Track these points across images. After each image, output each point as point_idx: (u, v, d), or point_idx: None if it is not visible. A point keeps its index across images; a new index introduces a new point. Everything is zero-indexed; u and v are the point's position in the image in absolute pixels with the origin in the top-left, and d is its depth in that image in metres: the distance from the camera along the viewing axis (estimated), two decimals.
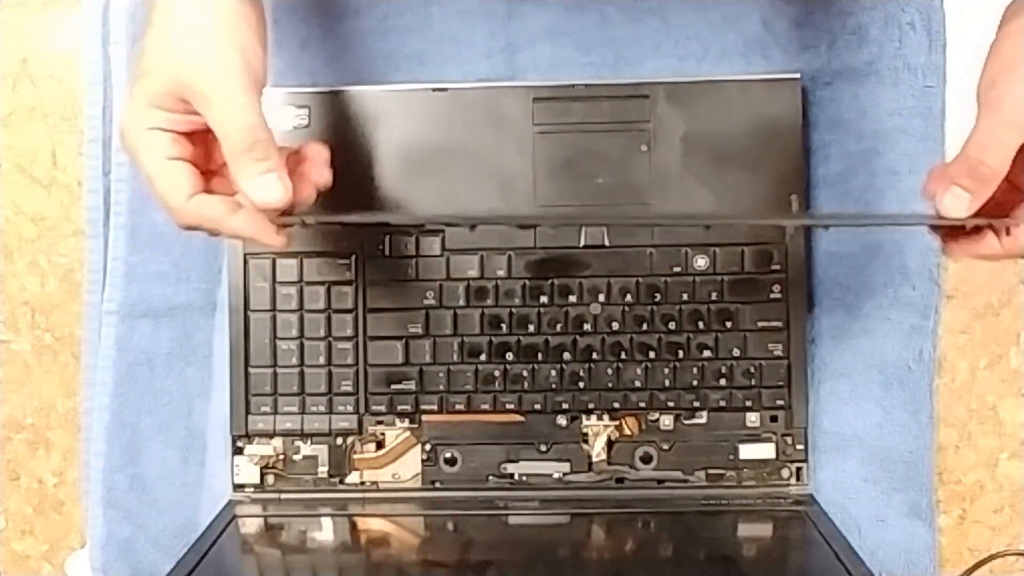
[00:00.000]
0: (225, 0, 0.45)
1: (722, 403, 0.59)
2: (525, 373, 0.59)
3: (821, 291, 0.61)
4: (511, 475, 0.60)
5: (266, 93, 0.61)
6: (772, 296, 0.59)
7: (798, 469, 0.60)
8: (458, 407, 0.60)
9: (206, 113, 0.44)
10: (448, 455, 0.60)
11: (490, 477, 0.60)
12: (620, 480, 0.60)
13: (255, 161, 0.44)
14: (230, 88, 0.44)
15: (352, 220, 0.55)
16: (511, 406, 0.60)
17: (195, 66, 0.44)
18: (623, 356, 0.59)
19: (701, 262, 0.59)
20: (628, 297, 0.59)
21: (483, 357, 0.60)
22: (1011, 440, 0.61)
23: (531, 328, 0.59)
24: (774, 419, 0.60)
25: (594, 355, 0.59)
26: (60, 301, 0.64)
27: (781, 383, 0.59)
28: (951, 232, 0.47)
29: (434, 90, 0.60)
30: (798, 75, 0.60)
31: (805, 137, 0.60)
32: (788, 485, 0.60)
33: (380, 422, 0.61)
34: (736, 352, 0.59)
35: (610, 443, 0.60)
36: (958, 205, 0.46)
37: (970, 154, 0.45)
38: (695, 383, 0.59)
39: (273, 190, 0.45)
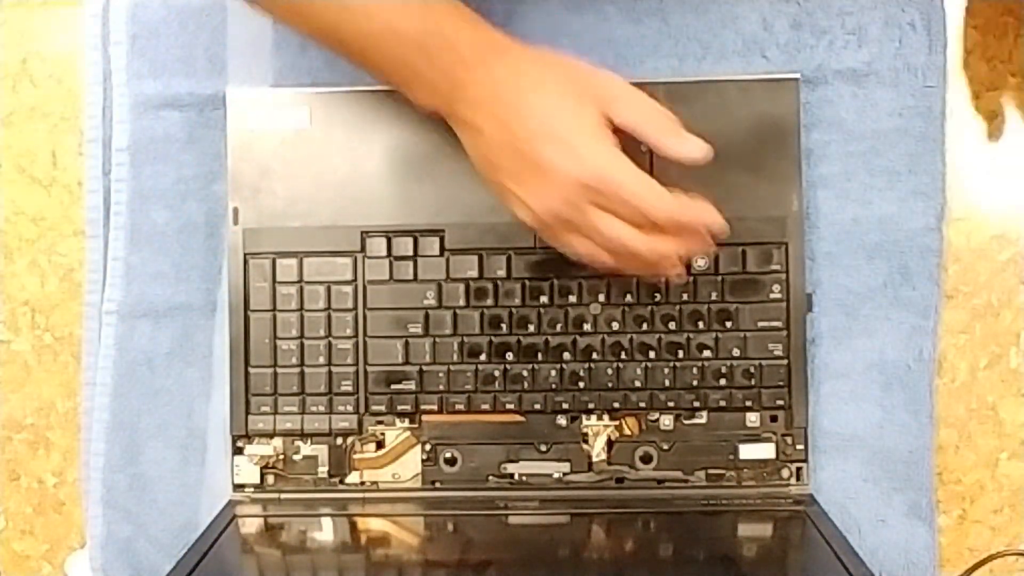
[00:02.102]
0: None
1: (722, 403, 0.59)
2: (525, 373, 0.59)
3: (821, 291, 0.61)
4: (511, 475, 0.60)
5: (266, 93, 0.61)
6: (772, 296, 0.59)
7: (798, 469, 0.60)
8: (458, 407, 0.60)
9: (625, 111, 0.50)
10: (448, 455, 0.60)
11: (490, 477, 0.60)
12: (620, 480, 0.60)
13: (675, 128, 0.51)
14: (620, 81, 0.52)
15: None
16: (511, 406, 0.60)
17: (600, 79, 0.51)
18: (623, 356, 0.59)
19: (701, 262, 0.59)
20: (628, 297, 0.59)
21: (483, 357, 0.60)
22: (1011, 440, 0.61)
23: (531, 328, 0.59)
24: (774, 419, 0.60)
25: (594, 355, 0.59)
26: (60, 301, 0.64)
27: (781, 383, 0.59)
28: None
29: None
30: (797, 75, 0.60)
31: (804, 137, 0.60)
32: (788, 485, 0.60)
33: (380, 422, 0.61)
34: (736, 352, 0.59)
35: (610, 443, 0.60)
36: None
37: None
38: (695, 383, 0.59)
39: (696, 147, 0.51)
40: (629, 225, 0.51)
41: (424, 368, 0.60)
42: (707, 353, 0.59)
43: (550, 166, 0.50)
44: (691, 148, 0.51)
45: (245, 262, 0.60)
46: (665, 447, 0.60)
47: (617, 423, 0.60)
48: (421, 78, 0.52)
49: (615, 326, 0.59)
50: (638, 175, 0.50)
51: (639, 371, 0.59)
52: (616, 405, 0.60)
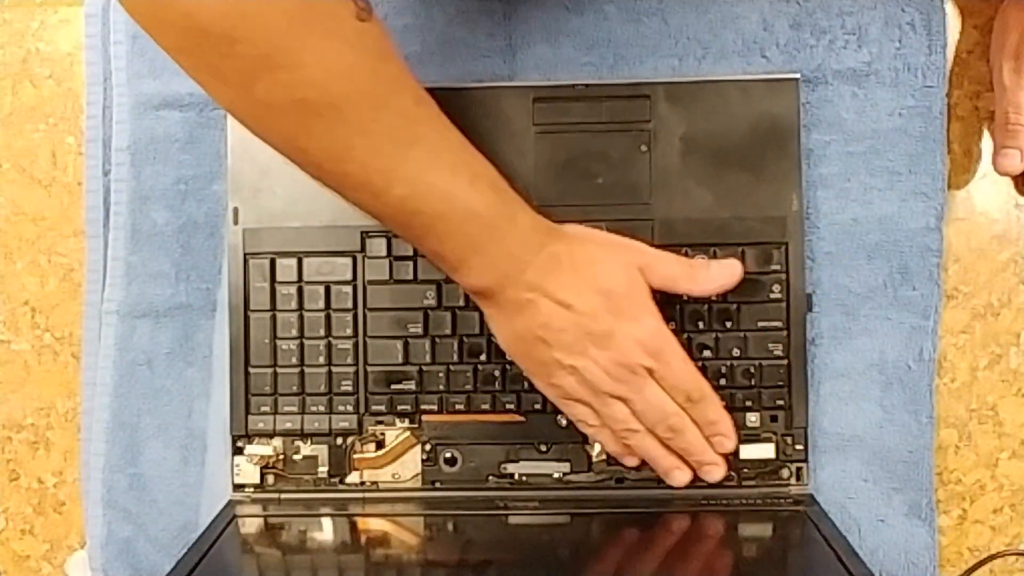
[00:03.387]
0: None
1: (722, 403, 0.59)
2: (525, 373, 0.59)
3: (821, 291, 0.61)
4: (511, 475, 0.60)
5: None
6: (772, 296, 0.59)
7: (798, 469, 0.60)
8: (458, 407, 0.60)
9: (660, 273, 0.55)
10: (448, 455, 0.60)
11: (490, 477, 0.60)
12: (620, 480, 0.60)
13: (703, 271, 0.57)
14: (649, 248, 0.57)
15: None
16: (511, 406, 0.60)
17: (634, 248, 0.56)
18: None
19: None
20: None
21: (483, 357, 0.60)
22: (1011, 440, 0.61)
23: None
24: (774, 419, 0.60)
25: None
26: (60, 301, 0.64)
27: (781, 383, 0.59)
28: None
29: (434, 90, 0.60)
30: (797, 75, 0.60)
31: (804, 137, 0.60)
32: (788, 485, 0.60)
33: (380, 422, 0.61)
34: (736, 352, 0.59)
35: None
36: (1011, 163, 0.58)
37: (1003, 112, 0.58)
38: None
39: (728, 273, 0.57)
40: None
41: (424, 368, 0.60)
42: (707, 353, 0.59)
43: (614, 334, 0.53)
44: (724, 277, 0.56)
45: (245, 262, 0.60)
46: None
47: None
48: (483, 258, 0.53)
49: None
50: (682, 347, 0.55)
51: None
52: None
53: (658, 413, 0.55)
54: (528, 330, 0.54)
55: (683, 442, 0.56)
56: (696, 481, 0.58)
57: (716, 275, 0.56)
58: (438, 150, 0.51)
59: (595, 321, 0.53)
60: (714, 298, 0.59)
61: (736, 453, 0.59)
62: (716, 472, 0.57)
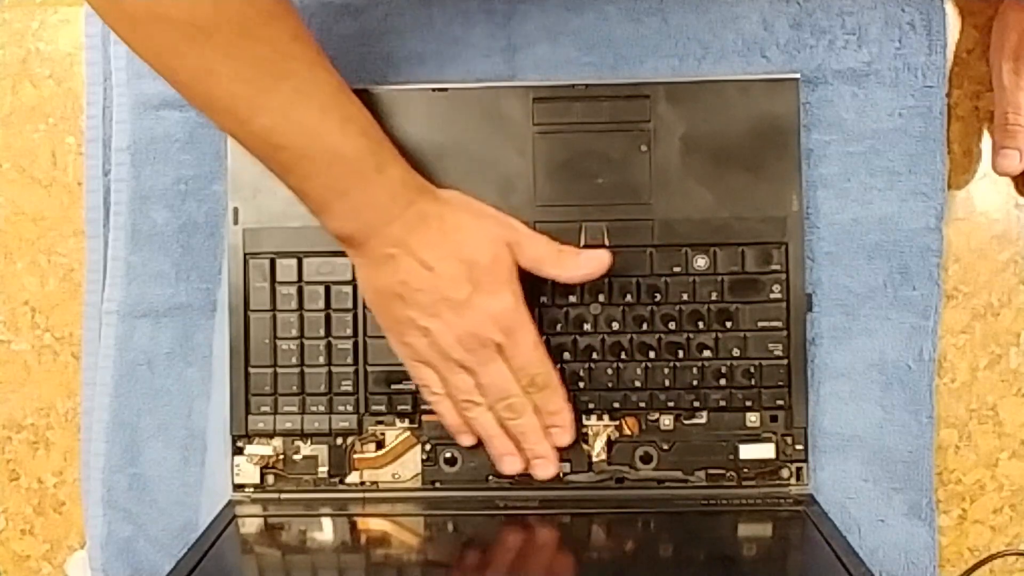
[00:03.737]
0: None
1: (722, 403, 0.59)
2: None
3: (821, 291, 0.61)
4: (511, 475, 0.60)
5: None
6: (772, 296, 0.59)
7: (798, 469, 0.60)
8: None
9: (529, 253, 0.56)
10: (448, 455, 0.60)
11: (490, 477, 0.60)
12: (620, 480, 0.60)
13: (571, 257, 0.57)
14: (523, 226, 0.57)
15: None
16: None
17: (508, 224, 0.57)
18: (623, 356, 0.59)
19: (701, 262, 0.59)
20: (628, 297, 0.59)
21: None
22: (1011, 440, 0.61)
23: None
24: (774, 419, 0.60)
25: (594, 355, 0.59)
26: (60, 301, 0.64)
27: (781, 383, 0.59)
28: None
29: (434, 90, 0.60)
30: (797, 75, 0.60)
31: (804, 137, 0.60)
32: (788, 485, 0.60)
33: (380, 422, 0.61)
34: (736, 352, 0.59)
35: (610, 443, 0.60)
36: (1009, 163, 0.58)
37: (1002, 113, 0.58)
38: (695, 383, 0.59)
39: (594, 261, 0.57)
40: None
41: None
42: (707, 353, 0.59)
43: (469, 302, 0.53)
44: (590, 266, 0.57)
45: (245, 262, 0.60)
46: (665, 447, 0.60)
47: (617, 423, 0.60)
48: (348, 204, 0.53)
49: (615, 326, 0.59)
50: (537, 332, 0.56)
51: (639, 371, 0.59)
52: (616, 405, 0.60)
53: (500, 391, 0.55)
54: (388, 285, 0.55)
55: (520, 426, 0.57)
56: (696, 481, 0.58)
57: (583, 263, 0.57)
58: (309, 87, 0.51)
59: (453, 287, 0.53)
60: (714, 298, 0.59)
61: (736, 453, 0.59)
62: (545, 468, 0.58)
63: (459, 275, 0.54)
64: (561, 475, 0.60)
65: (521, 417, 0.56)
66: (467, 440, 0.59)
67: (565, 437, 0.58)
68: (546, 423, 0.57)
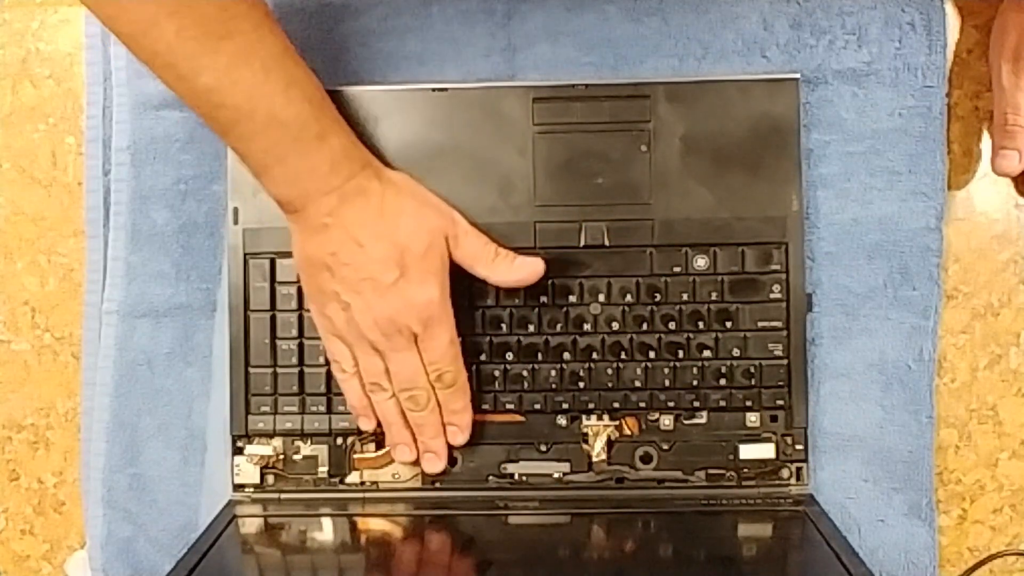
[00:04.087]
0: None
1: (722, 403, 0.59)
2: (525, 373, 0.60)
3: (821, 291, 0.61)
4: (511, 475, 0.60)
5: None
6: (772, 296, 0.59)
7: (798, 469, 0.60)
8: None
9: (464, 248, 0.57)
10: (448, 455, 0.60)
11: (490, 477, 0.60)
12: (620, 480, 0.60)
13: (506, 261, 0.58)
14: (463, 221, 0.57)
15: None
16: (511, 406, 0.60)
17: (448, 218, 0.57)
18: (623, 356, 0.59)
19: (701, 262, 0.59)
20: (628, 297, 0.59)
21: (483, 357, 0.60)
22: (1011, 440, 0.61)
23: (531, 328, 0.59)
24: (774, 419, 0.60)
25: (594, 355, 0.59)
26: (60, 301, 0.64)
27: (781, 383, 0.59)
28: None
29: (434, 90, 0.60)
30: (797, 75, 0.60)
31: (804, 137, 0.60)
32: (788, 485, 0.60)
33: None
34: (736, 352, 0.59)
35: (610, 443, 0.60)
36: (1009, 164, 0.58)
37: (1001, 114, 0.58)
38: (695, 383, 0.59)
39: (527, 269, 0.58)
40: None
41: None
42: (707, 353, 0.59)
43: (393, 289, 0.53)
44: (522, 272, 0.57)
45: (245, 262, 0.60)
46: (665, 447, 0.60)
47: (617, 423, 0.60)
48: (286, 169, 0.53)
49: (615, 326, 0.59)
50: (454, 331, 0.56)
51: (639, 371, 0.59)
52: (616, 405, 0.60)
53: (407, 380, 0.56)
54: (318, 254, 0.55)
55: (419, 418, 0.57)
56: (696, 481, 0.58)
57: (516, 269, 0.57)
58: (254, 49, 0.51)
59: (381, 269, 0.54)
60: (714, 298, 0.59)
61: (736, 453, 0.59)
62: (433, 462, 0.59)
63: (389, 257, 0.54)
64: (561, 475, 0.60)
65: (423, 410, 0.57)
66: (367, 424, 0.59)
67: (460, 438, 0.58)
68: (446, 420, 0.58)
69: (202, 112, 0.52)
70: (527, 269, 0.57)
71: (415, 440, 0.58)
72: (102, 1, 0.49)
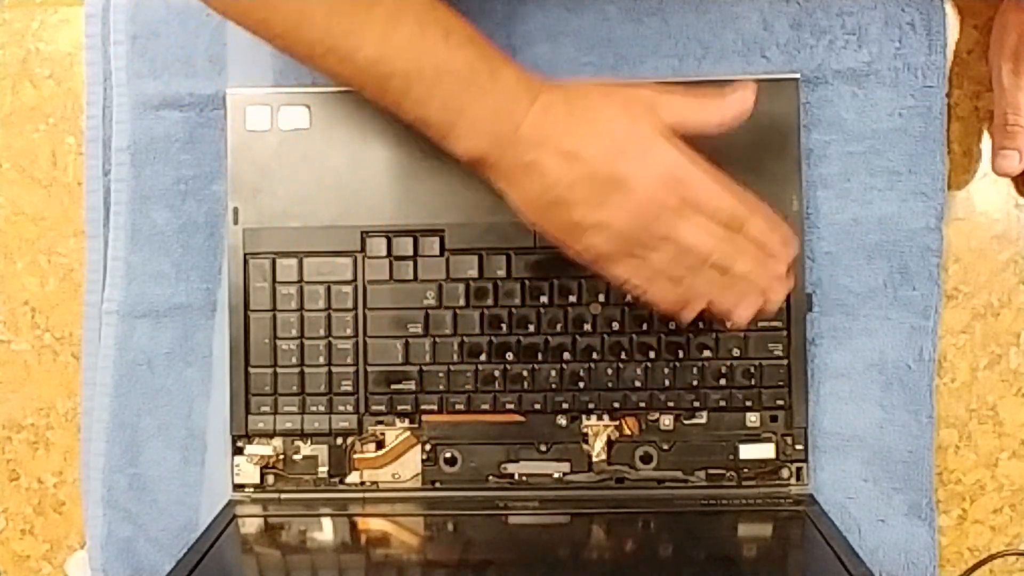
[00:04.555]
0: None
1: (722, 403, 0.59)
2: (525, 373, 0.60)
3: (821, 291, 0.61)
4: (511, 475, 0.60)
5: (266, 93, 0.61)
6: None
7: (798, 469, 0.60)
8: (458, 407, 0.60)
9: (670, 109, 0.51)
10: (448, 455, 0.60)
11: (490, 477, 0.60)
12: (620, 480, 0.60)
13: (717, 98, 0.51)
14: (654, 86, 0.52)
15: None
16: (511, 406, 0.60)
17: (638, 89, 0.51)
18: (623, 356, 0.59)
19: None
20: (628, 297, 0.59)
21: (483, 357, 0.60)
22: (1011, 440, 0.61)
23: (531, 328, 0.59)
24: (774, 419, 0.60)
25: (594, 355, 0.59)
26: (60, 301, 0.64)
27: (781, 383, 0.59)
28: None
29: None
30: (797, 75, 0.60)
31: (804, 137, 0.60)
32: (788, 485, 0.60)
33: (380, 422, 0.61)
34: (736, 352, 0.59)
35: (610, 443, 0.60)
36: (1009, 164, 0.58)
37: (1002, 114, 0.58)
38: (695, 383, 0.59)
39: (741, 96, 0.52)
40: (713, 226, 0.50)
41: (424, 368, 0.60)
42: (707, 353, 0.59)
43: (628, 176, 0.49)
44: (738, 101, 0.52)
45: (245, 262, 0.60)
46: (665, 447, 0.60)
47: (617, 423, 0.60)
48: (469, 120, 0.50)
49: (615, 326, 0.59)
50: (714, 170, 0.50)
51: (639, 371, 0.59)
52: (616, 405, 0.60)
53: (704, 245, 0.50)
54: (539, 194, 0.50)
55: (742, 267, 0.51)
56: (696, 481, 0.58)
57: (732, 101, 0.52)
58: (403, 7, 0.49)
59: (606, 165, 0.49)
60: None
61: (736, 453, 0.59)
62: (779, 291, 0.53)
63: (607, 151, 0.49)
64: (561, 475, 0.60)
65: (739, 258, 0.51)
66: (688, 316, 0.53)
67: (780, 266, 0.53)
68: (765, 253, 0.52)
69: (375, 90, 0.50)
70: (740, 101, 0.52)
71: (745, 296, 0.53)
72: (252, 8, 0.49)
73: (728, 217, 0.50)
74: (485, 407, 0.60)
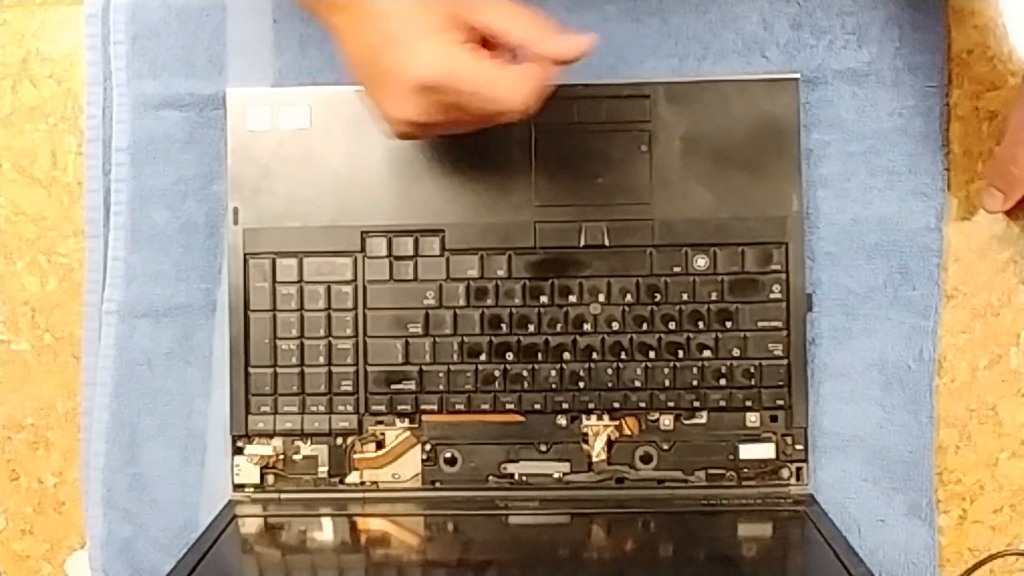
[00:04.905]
0: None
1: (722, 403, 0.59)
2: (525, 373, 0.60)
3: (821, 291, 0.61)
4: (511, 475, 0.60)
5: (266, 93, 0.61)
6: (772, 296, 0.59)
7: (798, 469, 0.60)
8: (458, 407, 0.60)
9: (485, 13, 0.47)
10: (448, 455, 0.60)
11: (490, 477, 0.60)
12: (620, 480, 0.60)
13: (547, 28, 0.48)
14: None
15: None
16: (511, 406, 0.60)
17: None
18: (623, 356, 0.59)
19: (701, 262, 0.59)
20: (628, 297, 0.59)
21: (483, 357, 0.60)
22: (1011, 440, 0.61)
23: (531, 328, 0.60)
24: (774, 419, 0.60)
25: (594, 355, 0.59)
26: (60, 301, 0.64)
27: (781, 383, 0.59)
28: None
29: None
30: (797, 75, 0.60)
31: (804, 137, 0.60)
32: (788, 485, 0.60)
33: (380, 422, 0.61)
34: (736, 352, 0.59)
35: (610, 443, 0.60)
36: (994, 203, 0.59)
37: (1001, 157, 0.57)
38: (695, 383, 0.59)
39: (576, 43, 0.48)
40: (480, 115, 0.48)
41: (424, 368, 0.60)
42: (707, 353, 0.59)
43: (391, 70, 0.47)
44: (569, 45, 0.48)
45: (245, 262, 0.60)
46: (665, 447, 0.60)
47: (617, 423, 0.60)
48: None
49: (615, 326, 0.59)
50: (481, 66, 0.47)
51: (639, 371, 0.59)
52: (616, 405, 0.60)
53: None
54: (344, 59, 0.50)
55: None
56: (696, 481, 0.58)
57: (563, 40, 0.48)
58: None
59: (379, 57, 0.47)
60: (714, 298, 0.59)
61: (736, 453, 0.59)
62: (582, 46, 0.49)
63: (380, 42, 0.47)
64: (561, 475, 0.60)
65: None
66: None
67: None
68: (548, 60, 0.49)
69: None
70: (576, 43, 0.48)
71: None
72: None
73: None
74: (485, 407, 0.60)
